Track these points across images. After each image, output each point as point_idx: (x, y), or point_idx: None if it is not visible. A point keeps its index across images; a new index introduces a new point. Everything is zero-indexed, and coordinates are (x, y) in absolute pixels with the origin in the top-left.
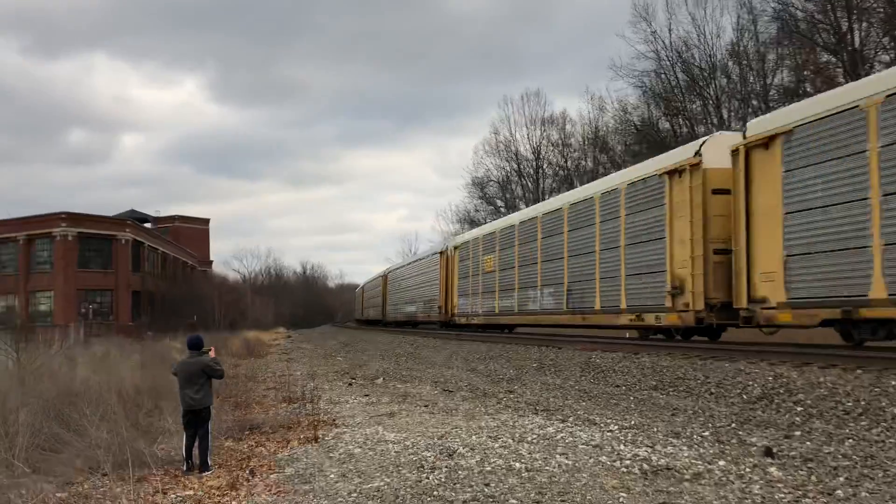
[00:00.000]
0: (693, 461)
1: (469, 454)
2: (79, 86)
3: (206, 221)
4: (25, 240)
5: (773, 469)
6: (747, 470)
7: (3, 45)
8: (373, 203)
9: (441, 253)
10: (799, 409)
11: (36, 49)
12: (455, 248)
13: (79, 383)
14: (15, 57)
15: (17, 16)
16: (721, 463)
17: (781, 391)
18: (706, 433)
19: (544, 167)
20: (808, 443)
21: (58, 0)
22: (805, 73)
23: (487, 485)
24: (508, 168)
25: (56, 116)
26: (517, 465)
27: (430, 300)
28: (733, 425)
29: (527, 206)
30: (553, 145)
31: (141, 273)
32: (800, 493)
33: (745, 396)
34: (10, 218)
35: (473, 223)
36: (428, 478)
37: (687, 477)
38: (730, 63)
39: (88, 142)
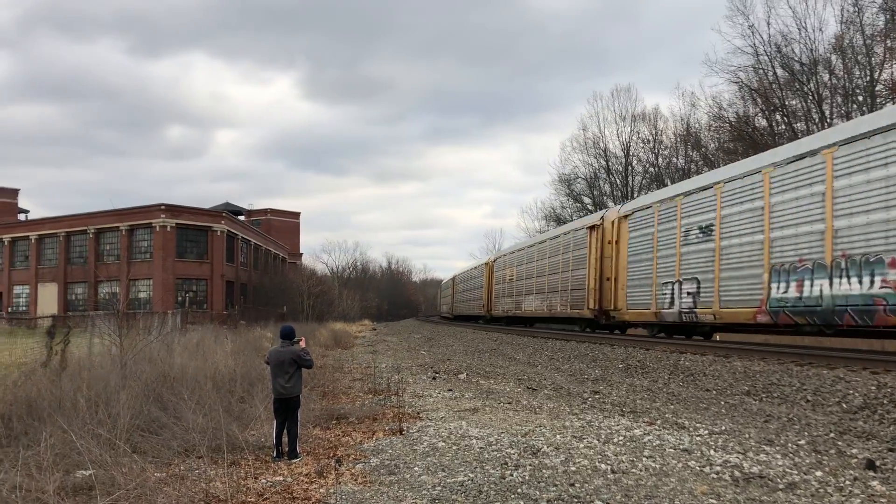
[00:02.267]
0: (787, 470)
1: (553, 453)
2: (178, 84)
3: (297, 215)
4: (127, 230)
5: (875, 483)
6: (847, 483)
7: (111, 46)
8: (456, 199)
9: None
10: None
11: (140, 49)
12: None
13: (176, 369)
14: (121, 57)
15: (123, 18)
16: (818, 474)
17: (885, 401)
18: (802, 442)
19: (634, 164)
20: None
21: (160, 1)
22: None
23: (572, 485)
24: (597, 165)
25: (157, 113)
26: (603, 466)
27: None
28: (832, 435)
29: (615, 204)
30: (643, 142)
31: (234, 264)
32: None
33: (844, 405)
34: (113, 209)
35: (559, 221)
36: (512, 475)
37: (781, 486)
38: (833, 57)
39: (186, 137)
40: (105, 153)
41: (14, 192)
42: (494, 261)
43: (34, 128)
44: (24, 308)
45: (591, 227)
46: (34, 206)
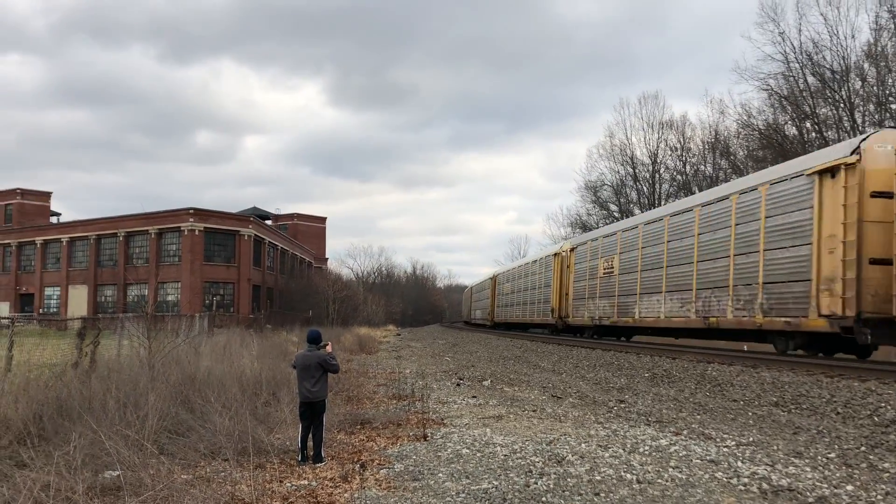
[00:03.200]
0: (817, 483)
1: (578, 462)
2: (207, 90)
3: (323, 220)
4: (156, 233)
5: None
6: (879, 497)
7: (142, 52)
8: (481, 205)
9: None
10: None
11: (170, 55)
12: None
13: (203, 371)
14: (152, 64)
15: (154, 25)
16: (849, 488)
17: None
18: (832, 455)
19: (661, 172)
20: None
21: (190, 9)
22: None
23: (597, 494)
24: (623, 172)
25: (186, 118)
26: (628, 476)
27: None
28: (863, 448)
29: (642, 211)
30: (671, 150)
31: (261, 268)
32: None
33: (876, 419)
34: (142, 213)
35: (586, 227)
36: (536, 483)
37: (811, 500)
38: (865, 64)
39: (215, 142)
40: (135, 158)
41: (46, 196)
42: (572, 249)
43: (66, 133)
44: (55, 309)
45: (831, 171)
46: (66, 209)
